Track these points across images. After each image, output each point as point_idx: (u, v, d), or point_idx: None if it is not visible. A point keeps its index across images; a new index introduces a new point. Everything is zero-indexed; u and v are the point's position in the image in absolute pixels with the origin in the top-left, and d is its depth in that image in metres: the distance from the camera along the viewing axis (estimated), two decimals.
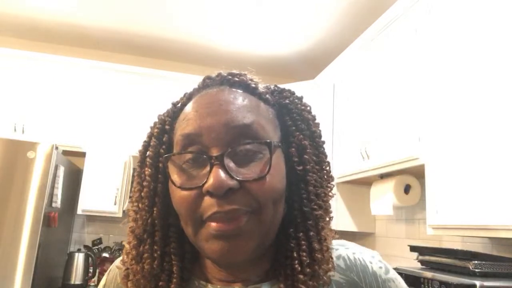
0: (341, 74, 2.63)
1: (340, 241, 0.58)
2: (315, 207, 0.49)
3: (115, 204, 2.83)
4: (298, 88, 2.64)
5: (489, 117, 1.43)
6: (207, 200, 0.45)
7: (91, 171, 2.86)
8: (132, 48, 3.31)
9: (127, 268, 0.51)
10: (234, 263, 0.47)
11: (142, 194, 0.51)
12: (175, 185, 0.47)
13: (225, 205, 0.44)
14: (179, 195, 0.47)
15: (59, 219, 2.49)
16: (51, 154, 2.37)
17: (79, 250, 2.78)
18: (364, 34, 2.35)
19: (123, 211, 2.85)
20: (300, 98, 0.55)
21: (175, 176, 0.47)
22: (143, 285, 0.50)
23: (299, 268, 0.47)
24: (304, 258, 0.48)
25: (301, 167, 0.50)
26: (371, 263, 0.55)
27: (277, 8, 2.60)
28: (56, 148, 2.41)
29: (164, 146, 0.51)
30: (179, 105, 0.55)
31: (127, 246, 0.52)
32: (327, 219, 0.51)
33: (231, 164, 0.45)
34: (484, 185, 1.42)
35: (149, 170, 0.51)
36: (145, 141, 0.54)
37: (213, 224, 0.45)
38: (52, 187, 2.41)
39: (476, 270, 1.41)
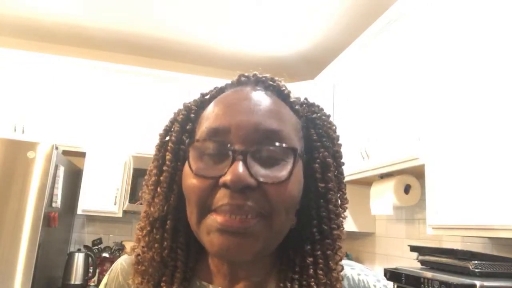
0: (341, 74, 2.63)
1: (348, 261, 0.58)
2: (334, 226, 0.49)
3: (115, 204, 2.83)
4: (298, 88, 2.66)
5: (489, 117, 1.43)
6: (221, 192, 0.44)
7: (91, 171, 2.86)
8: (132, 48, 3.31)
9: (138, 255, 0.51)
10: (234, 261, 0.46)
11: (161, 178, 0.50)
12: (191, 170, 0.45)
13: (238, 199, 0.43)
14: (192, 182, 0.46)
15: (59, 219, 2.49)
16: (51, 154, 2.37)
17: (79, 250, 2.78)
18: (364, 34, 2.35)
19: (123, 211, 2.86)
20: (328, 116, 0.54)
21: (192, 162, 0.46)
22: (149, 274, 0.49)
23: (315, 287, 0.47)
24: (321, 276, 0.47)
25: (323, 185, 0.49)
26: (374, 286, 0.54)
27: (277, 8, 2.60)
28: (56, 148, 2.41)
29: (187, 134, 0.51)
30: (207, 96, 0.53)
31: (139, 232, 0.51)
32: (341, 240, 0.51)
33: (253, 163, 0.44)
34: (484, 185, 1.42)
35: (170, 155, 0.50)
36: (166, 126, 0.53)
37: (219, 217, 0.44)
38: (52, 187, 2.41)
39: (476, 270, 1.40)
